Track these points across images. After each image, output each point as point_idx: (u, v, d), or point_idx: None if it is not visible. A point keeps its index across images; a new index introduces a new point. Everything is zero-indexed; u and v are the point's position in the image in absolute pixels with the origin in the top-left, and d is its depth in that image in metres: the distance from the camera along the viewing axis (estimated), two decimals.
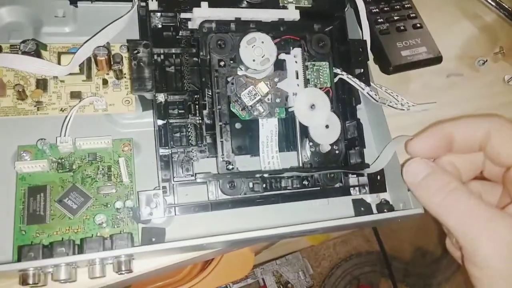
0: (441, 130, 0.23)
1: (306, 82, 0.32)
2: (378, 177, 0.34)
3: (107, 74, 0.33)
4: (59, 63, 0.31)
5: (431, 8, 0.46)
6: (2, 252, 0.27)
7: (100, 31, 0.32)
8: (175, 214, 0.29)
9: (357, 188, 0.33)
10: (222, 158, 0.29)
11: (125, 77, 0.33)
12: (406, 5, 0.43)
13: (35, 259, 0.25)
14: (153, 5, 0.31)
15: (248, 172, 0.30)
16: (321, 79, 0.33)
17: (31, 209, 0.28)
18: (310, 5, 0.34)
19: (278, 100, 0.31)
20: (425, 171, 0.23)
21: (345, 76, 0.33)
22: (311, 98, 0.31)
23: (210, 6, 0.30)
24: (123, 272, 0.26)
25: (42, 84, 0.31)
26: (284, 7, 0.33)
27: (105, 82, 0.32)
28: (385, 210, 0.32)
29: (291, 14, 0.32)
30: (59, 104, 0.31)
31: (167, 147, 0.29)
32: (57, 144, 0.29)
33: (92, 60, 0.32)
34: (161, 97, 0.30)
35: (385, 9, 0.42)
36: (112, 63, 0.32)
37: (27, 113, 0.30)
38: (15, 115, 0.30)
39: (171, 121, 0.30)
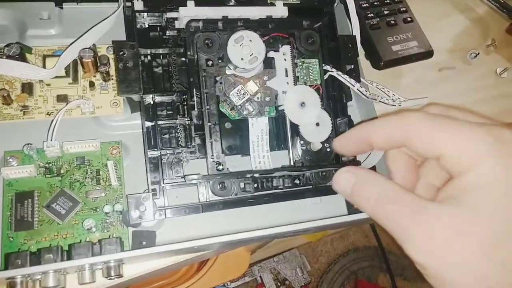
0: (356, 135, 0.23)
1: (296, 80, 0.31)
2: None
3: (94, 76, 0.32)
4: (44, 66, 0.31)
5: (421, 1, 0.46)
6: None
7: (86, 32, 0.31)
8: (166, 217, 0.29)
9: None
10: (212, 158, 0.29)
11: (112, 79, 0.32)
12: None
13: (22, 266, 0.24)
14: (139, 5, 0.30)
15: (238, 173, 0.29)
16: (310, 76, 0.32)
17: (18, 215, 0.28)
18: (298, 1, 0.33)
19: (267, 99, 0.31)
20: (351, 181, 0.23)
21: (335, 73, 0.32)
22: (301, 96, 0.31)
23: (196, 5, 0.30)
24: (112, 277, 0.26)
25: (27, 88, 0.30)
26: (272, 4, 0.32)
27: (92, 84, 0.32)
28: None
29: (279, 11, 0.32)
30: (45, 108, 0.31)
31: (156, 149, 0.29)
32: (44, 148, 0.29)
33: (79, 62, 0.31)
34: (149, 99, 0.29)
35: (375, 3, 0.41)
36: (98, 65, 0.31)
37: (12, 117, 0.30)
38: (0, 120, 0.30)
39: (159, 122, 0.29)
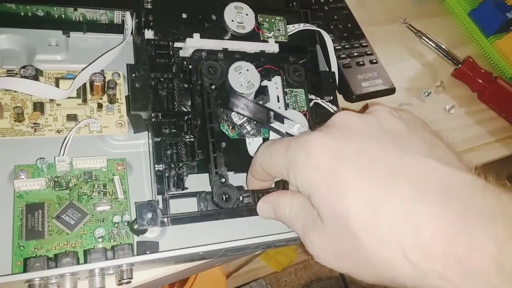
0: (255, 177, 0.31)
1: (286, 106, 0.36)
2: None
3: (101, 98, 0.35)
4: (57, 87, 0.33)
5: (383, 47, 0.53)
6: (1, 267, 0.28)
7: (96, 59, 0.34)
8: (168, 225, 0.31)
9: None
10: (216, 172, 0.32)
11: (118, 102, 0.35)
12: (363, 44, 0.49)
13: (41, 269, 0.26)
14: (149, 34, 0.34)
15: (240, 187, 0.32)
16: (299, 103, 0.37)
17: (29, 225, 0.29)
18: (286, 40, 0.38)
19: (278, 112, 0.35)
20: (270, 209, 0.29)
21: (319, 100, 0.37)
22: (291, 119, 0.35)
23: (201, 37, 0.34)
24: (124, 280, 0.27)
25: (39, 107, 0.33)
26: (265, 41, 0.37)
27: (100, 106, 0.34)
28: None
29: (271, 47, 0.37)
30: (55, 126, 0.33)
31: (161, 163, 0.32)
32: (55, 163, 0.31)
33: (88, 85, 0.34)
34: (156, 116, 0.32)
35: (346, 46, 0.48)
36: (106, 88, 0.34)
37: (24, 134, 0.32)
38: (12, 136, 0.31)
39: (164, 138, 0.32)
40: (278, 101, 0.36)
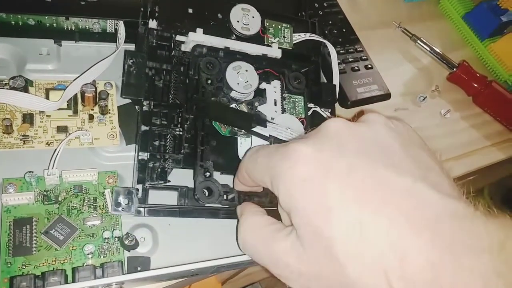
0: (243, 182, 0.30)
1: (283, 111, 0.35)
2: None
3: (92, 109, 0.34)
4: (47, 99, 0.33)
5: (378, 51, 0.53)
6: None
7: (88, 69, 0.33)
8: (144, 215, 0.30)
9: None
10: (201, 165, 0.31)
11: (109, 113, 0.34)
12: (358, 49, 0.49)
13: None
14: (153, 24, 0.33)
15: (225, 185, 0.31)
16: (296, 110, 0.37)
17: (17, 241, 0.29)
18: (290, 48, 0.38)
19: (261, 116, 0.34)
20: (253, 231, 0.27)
21: (318, 109, 0.37)
22: (287, 123, 0.35)
23: (204, 33, 0.34)
24: None
25: (28, 118, 0.32)
26: (268, 45, 0.37)
27: (91, 117, 0.34)
28: None
29: (274, 52, 0.36)
30: (45, 138, 0.32)
31: (145, 152, 0.31)
32: (44, 176, 0.30)
33: (79, 96, 0.33)
34: (147, 105, 0.32)
35: (341, 51, 0.47)
36: (98, 99, 0.34)
37: (13, 146, 0.31)
38: (0, 149, 0.31)
39: (153, 128, 0.32)
40: (275, 105, 0.35)
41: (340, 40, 0.49)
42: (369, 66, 0.48)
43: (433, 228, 0.19)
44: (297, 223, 0.22)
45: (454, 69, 0.58)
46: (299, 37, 0.39)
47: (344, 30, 0.50)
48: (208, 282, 0.57)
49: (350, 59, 0.47)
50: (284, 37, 0.38)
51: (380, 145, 0.22)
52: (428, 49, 0.59)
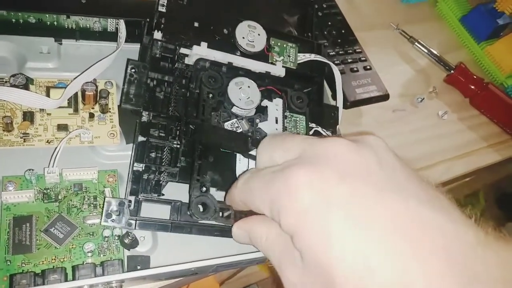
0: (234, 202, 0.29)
1: (285, 129, 0.35)
2: None
3: (93, 108, 0.34)
4: (48, 96, 0.33)
5: (376, 52, 0.53)
6: None
7: (89, 68, 0.33)
8: (135, 228, 0.29)
9: None
10: (198, 179, 0.30)
11: (110, 111, 0.34)
12: (357, 50, 0.49)
13: (28, 286, 0.25)
14: (157, 35, 0.33)
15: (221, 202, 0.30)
16: (297, 129, 0.37)
17: (16, 239, 0.29)
18: (295, 67, 0.38)
19: (257, 137, 0.34)
20: (244, 236, 0.27)
21: (320, 129, 0.37)
22: None
23: (208, 47, 0.34)
24: None
25: (29, 116, 0.32)
26: (272, 63, 0.36)
27: (91, 115, 0.34)
28: None
29: (278, 70, 0.36)
30: (45, 136, 0.32)
31: (141, 163, 0.31)
32: (44, 174, 0.30)
33: (79, 94, 0.33)
34: (146, 116, 0.32)
35: (340, 52, 0.48)
36: (98, 98, 0.34)
37: (13, 144, 0.31)
38: (0, 146, 0.31)
39: (150, 139, 0.31)
40: (276, 123, 0.35)
41: (339, 41, 0.49)
42: (368, 67, 0.48)
43: (443, 257, 0.18)
44: (299, 248, 0.21)
45: (451, 71, 0.58)
46: (304, 57, 0.38)
47: (343, 31, 0.51)
48: (206, 282, 0.57)
49: (349, 60, 0.48)
50: (289, 56, 0.38)
51: (385, 169, 0.21)
52: (426, 51, 0.59)
